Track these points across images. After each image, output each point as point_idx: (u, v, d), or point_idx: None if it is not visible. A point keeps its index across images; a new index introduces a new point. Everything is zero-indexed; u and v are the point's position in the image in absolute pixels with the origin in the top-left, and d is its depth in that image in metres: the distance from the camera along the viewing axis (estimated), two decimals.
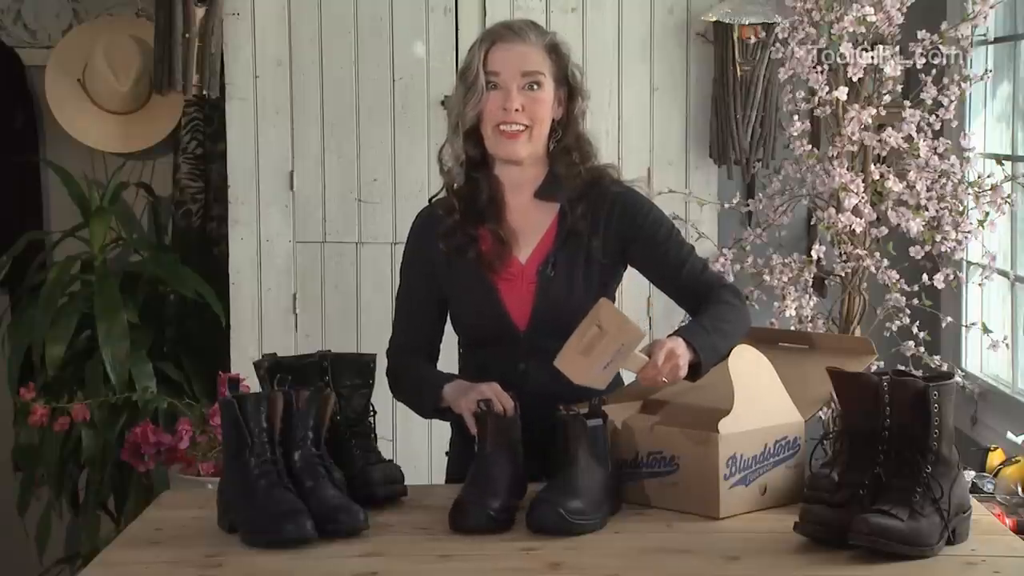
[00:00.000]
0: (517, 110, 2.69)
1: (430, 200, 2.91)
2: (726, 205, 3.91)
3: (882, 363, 3.48)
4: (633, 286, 3.78)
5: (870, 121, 3.52)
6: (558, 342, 2.51)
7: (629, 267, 2.83)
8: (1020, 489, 3.11)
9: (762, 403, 2.44)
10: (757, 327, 2.99)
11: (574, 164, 2.77)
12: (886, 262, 3.59)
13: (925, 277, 3.60)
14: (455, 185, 2.81)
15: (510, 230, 2.77)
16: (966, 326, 3.98)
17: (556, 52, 2.76)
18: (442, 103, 3.95)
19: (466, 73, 2.74)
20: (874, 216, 3.55)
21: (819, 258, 3.61)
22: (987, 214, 3.53)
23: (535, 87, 2.71)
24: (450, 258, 2.76)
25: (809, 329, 3.61)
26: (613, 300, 2.77)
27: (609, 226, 2.75)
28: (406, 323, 2.87)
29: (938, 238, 3.53)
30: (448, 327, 2.90)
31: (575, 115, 2.80)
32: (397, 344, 2.88)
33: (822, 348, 2.65)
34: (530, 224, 2.78)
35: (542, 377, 2.64)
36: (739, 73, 3.96)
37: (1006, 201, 3.53)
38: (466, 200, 2.78)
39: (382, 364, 2.78)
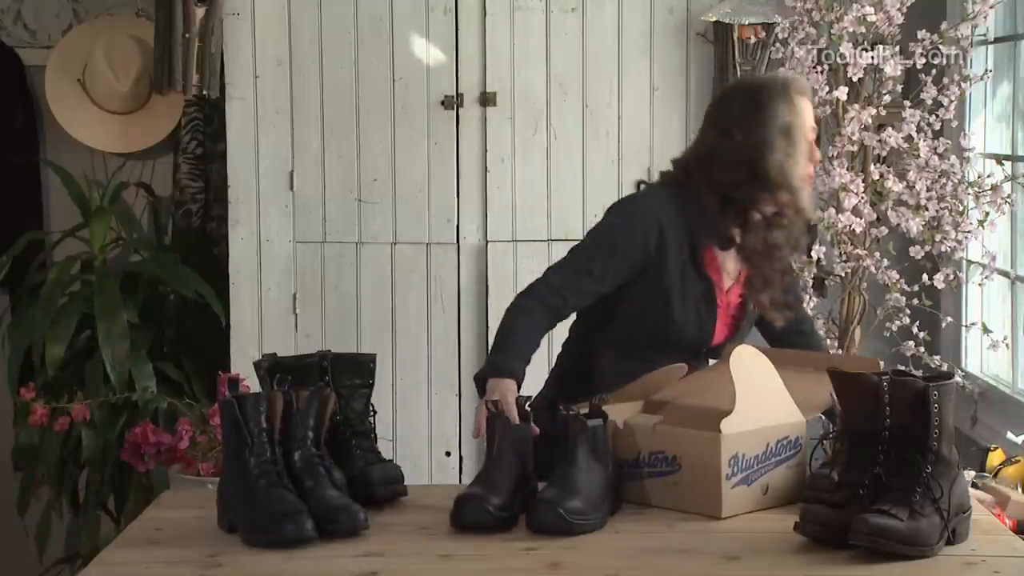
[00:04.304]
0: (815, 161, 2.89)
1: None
2: None
3: (882, 363, 3.47)
4: None
5: (870, 121, 3.52)
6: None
7: None
8: (1020, 489, 3.11)
9: (764, 403, 2.44)
10: (764, 347, 2.98)
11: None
12: (886, 262, 3.59)
13: (925, 277, 3.59)
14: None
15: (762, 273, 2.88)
16: (966, 326, 3.98)
17: None
18: (442, 103, 3.96)
19: (785, 124, 2.81)
20: (874, 216, 3.55)
21: (819, 258, 3.61)
22: (987, 214, 3.53)
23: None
24: (687, 261, 2.82)
25: None
26: None
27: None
28: (579, 284, 2.80)
29: (938, 238, 3.52)
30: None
31: None
32: (550, 286, 2.79)
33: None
34: (732, 257, 2.90)
35: None
36: (739, 73, 3.96)
37: (1006, 201, 3.53)
38: (724, 224, 2.86)
39: (382, 364, 2.78)
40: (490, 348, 2.83)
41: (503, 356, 2.69)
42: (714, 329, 2.88)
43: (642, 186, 3.94)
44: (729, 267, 2.90)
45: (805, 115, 2.83)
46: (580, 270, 2.81)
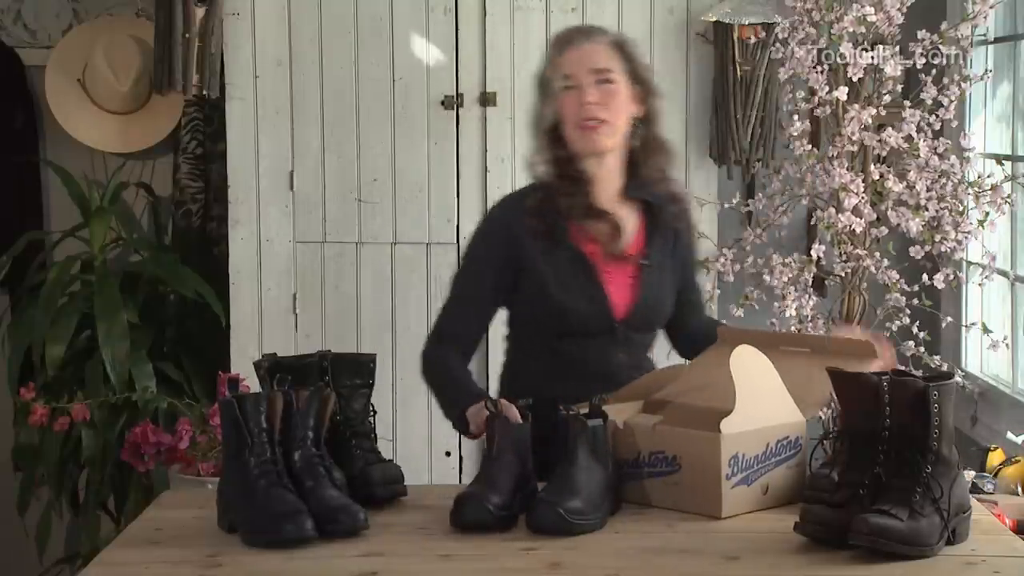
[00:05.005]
0: (595, 103, 2.77)
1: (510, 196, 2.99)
2: (726, 205, 3.91)
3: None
4: None
5: (870, 121, 3.52)
6: (642, 335, 2.85)
7: None
8: (1020, 489, 3.11)
9: (764, 403, 2.44)
10: (758, 329, 2.99)
11: (660, 168, 2.89)
12: (886, 262, 3.59)
13: (925, 277, 3.59)
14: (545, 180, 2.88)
15: (617, 220, 2.85)
16: (966, 326, 3.98)
17: (623, 50, 2.84)
18: (442, 103, 3.96)
19: (541, 79, 2.85)
20: (874, 216, 3.55)
21: (819, 258, 3.61)
22: (987, 214, 3.53)
23: (607, 82, 2.79)
24: (548, 248, 2.81)
25: (809, 329, 3.61)
26: None
27: (687, 237, 2.96)
28: (465, 312, 2.88)
29: (938, 238, 3.52)
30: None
31: (651, 112, 2.87)
32: (446, 332, 2.87)
33: (824, 351, 2.65)
34: (620, 218, 2.86)
35: (630, 368, 2.80)
36: (739, 73, 3.96)
37: (1006, 201, 3.53)
38: (560, 192, 2.83)
39: (382, 364, 2.79)
40: (442, 402, 2.86)
41: (463, 387, 2.77)
42: (607, 299, 2.82)
43: None
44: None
45: (562, 64, 2.80)
46: (459, 300, 2.88)
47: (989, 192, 3.52)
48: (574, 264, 2.81)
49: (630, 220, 2.87)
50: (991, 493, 3.08)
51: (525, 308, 2.86)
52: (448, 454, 4.01)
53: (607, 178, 2.85)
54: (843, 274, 3.61)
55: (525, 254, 2.81)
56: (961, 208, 3.55)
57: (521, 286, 2.83)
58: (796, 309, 3.61)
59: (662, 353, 3.07)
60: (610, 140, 2.80)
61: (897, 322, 3.64)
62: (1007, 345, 3.70)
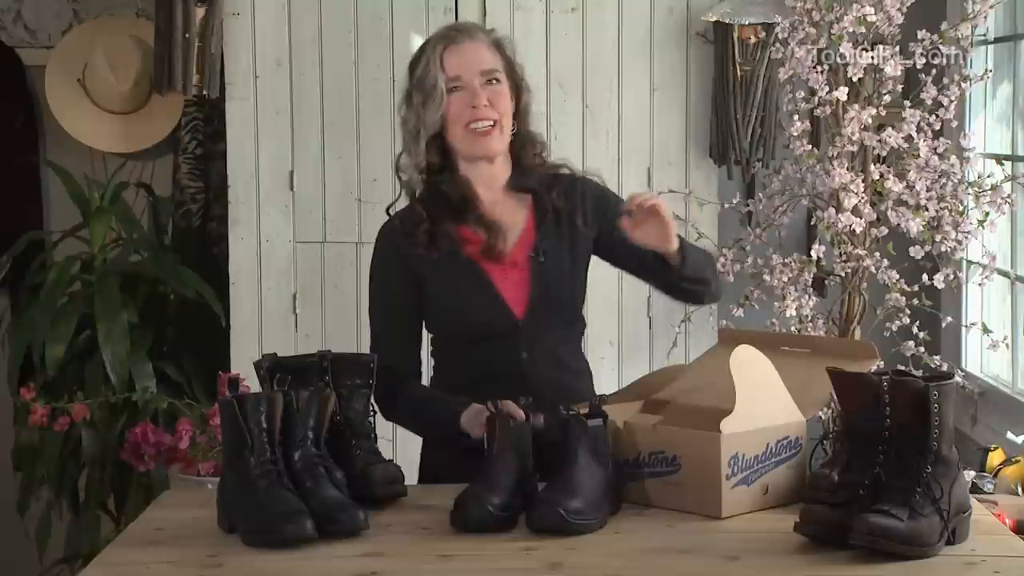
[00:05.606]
0: (485, 106, 2.75)
1: (387, 211, 2.94)
2: (726, 205, 3.91)
3: (882, 363, 3.47)
4: (632, 287, 3.80)
5: (870, 121, 3.52)
6: (554, 330, 2.76)
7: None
8: (1020, 489, 3.11)
9: (764, 403, 2.44)
10: (758, 330, 2.99)
11: (537, 154, 2.86)
12: (886, 262, 3.59)
13: (925, 277, 3.59)
14: (417, 193, 2.85)
15: (494, 221, 2.81)
16: (966, 326, 3.98)
17: (501, 47, 2.83)
18: None
19: (423, 81, 2.77)
20: (874, 216, 3.55)
21: (819, 258, 3.61)
22: (987, 214, 3.53)
23: (494, 82, 2.77)
24: (435, 258, 2.78)
25: (809, 329, 3.61)
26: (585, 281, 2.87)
27: (586, 206, 2.85)
28: (393, 340, 2.84)
29: (938, 238, 3.52)
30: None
31: (524, 107, 2.86)
32: (387, 369, 2.78)
33: (824, 352, 2.65)
34: (507, 216, 2.83)
35: (542, 366, 2.76)
36: (739, 73, 3.96)
37: (1006, 201, 3.53)
38: (436, 203, 2.81)
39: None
40: (430, 426, 2.83)
41: (442, 402, 2.75)
42: (501, 299, 2.77)
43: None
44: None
45: (447, 65, 2.75)
46: (384, 333, 2.84)
47: (989, 192, 3.52)
48: (463, 269, 2.78)
49: (519, 214, 2.84)
50: (991, 493, 3.08)
51: (431, 319, 2.85)
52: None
53: (494, 177, 2.83)
54: (843, 274, 3.61)
55: (417, 267, 2.79)
56: (961, 208, 3.55)
57: (424, 298, 2.81)
58: (796, 309, 3.62)
59: (653, 349, 3.07)
60: (502, 142, 2.79)
61: (897, 322, 3.64)
62: (1007, 345, 3.70)
